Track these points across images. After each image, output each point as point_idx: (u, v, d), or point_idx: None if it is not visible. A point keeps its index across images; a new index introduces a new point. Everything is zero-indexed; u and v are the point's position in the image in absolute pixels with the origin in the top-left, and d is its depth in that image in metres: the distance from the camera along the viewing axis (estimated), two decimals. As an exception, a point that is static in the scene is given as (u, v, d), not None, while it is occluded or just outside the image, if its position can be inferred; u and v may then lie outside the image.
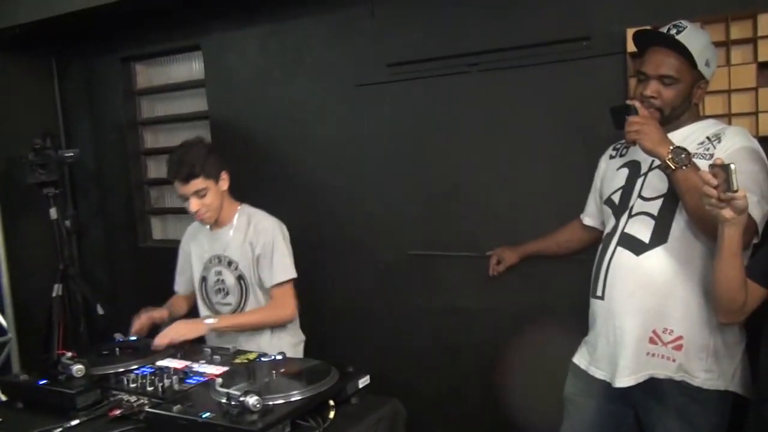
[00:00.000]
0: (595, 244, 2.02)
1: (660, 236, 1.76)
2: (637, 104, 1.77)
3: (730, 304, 1.60)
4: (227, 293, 2.38)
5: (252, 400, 1.45)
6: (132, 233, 3.62)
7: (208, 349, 2.05)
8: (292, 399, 1.56)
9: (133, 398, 1.73)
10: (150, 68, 3.62)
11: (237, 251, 2.35)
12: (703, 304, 1.73)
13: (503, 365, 2.50)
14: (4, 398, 1.99)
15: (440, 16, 2.58)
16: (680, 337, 1.75)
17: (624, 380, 1.78)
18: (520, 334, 2.46)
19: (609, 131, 1.90)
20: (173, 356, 2.02)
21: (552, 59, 2.36)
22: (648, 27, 1.95)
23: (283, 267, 2.31)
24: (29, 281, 3.43)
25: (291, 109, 3.00)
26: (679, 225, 1.75)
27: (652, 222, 1.78)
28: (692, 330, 1.74)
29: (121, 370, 1.90)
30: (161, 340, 2.09)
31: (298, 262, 2.37)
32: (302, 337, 2.47)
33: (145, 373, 1.85)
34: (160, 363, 1.95)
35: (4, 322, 3.35)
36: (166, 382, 1.77)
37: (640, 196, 1.84)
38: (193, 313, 2.51)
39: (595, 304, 1.89)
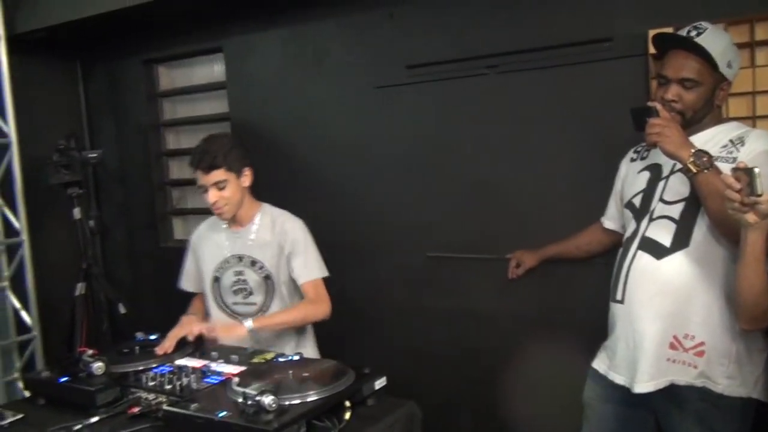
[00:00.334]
0: (615, 247, 1.99)
1: (681, 240, 1.74)
2: (658, 106, 1.75)
3: (753, 309, 1.58)
4: (250, 293, 2.38)
5: (268, 399, 1.45)
6: (154, 233, 3.66)
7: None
8: (308, 399, 1.57)
9: (151, 396, 1.76)
10: (172, 70, 3.66)
11: (262, 251, 2.34)
12: (725, 309, 1.70)
13: (521, 369, 2.47)
14: (27, 394, 2.03)
15: (459, 18, 2.58)
16: (702, 343, 1.72)
17: (643, 386, 1.75)
18: (538, 338, 2.44)
19: (630, 134, 1.87)
20: (191, 355, 2.04)
21: (572, 61, 2.35)
22: (668, 29, 1.93)
23: (317, 264, 2.34)
24: (53, 280, 3.48)
25: (310, 111, 3.02)
26: (701, 229, 1.72)
27: (674, 226, 1.76)
28: (714, 335, 1.71)
29: (141, 368, 1.92)
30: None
31: (317, 263, 2.38)
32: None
33: (163, 371, 1.87)
34: (178, 362, 1.97)
35: (29, 320, 3.40)
36: (184, 380, 1.79)
37: (661, 200, 1.81)
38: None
39: (615, 308, 1.87)
